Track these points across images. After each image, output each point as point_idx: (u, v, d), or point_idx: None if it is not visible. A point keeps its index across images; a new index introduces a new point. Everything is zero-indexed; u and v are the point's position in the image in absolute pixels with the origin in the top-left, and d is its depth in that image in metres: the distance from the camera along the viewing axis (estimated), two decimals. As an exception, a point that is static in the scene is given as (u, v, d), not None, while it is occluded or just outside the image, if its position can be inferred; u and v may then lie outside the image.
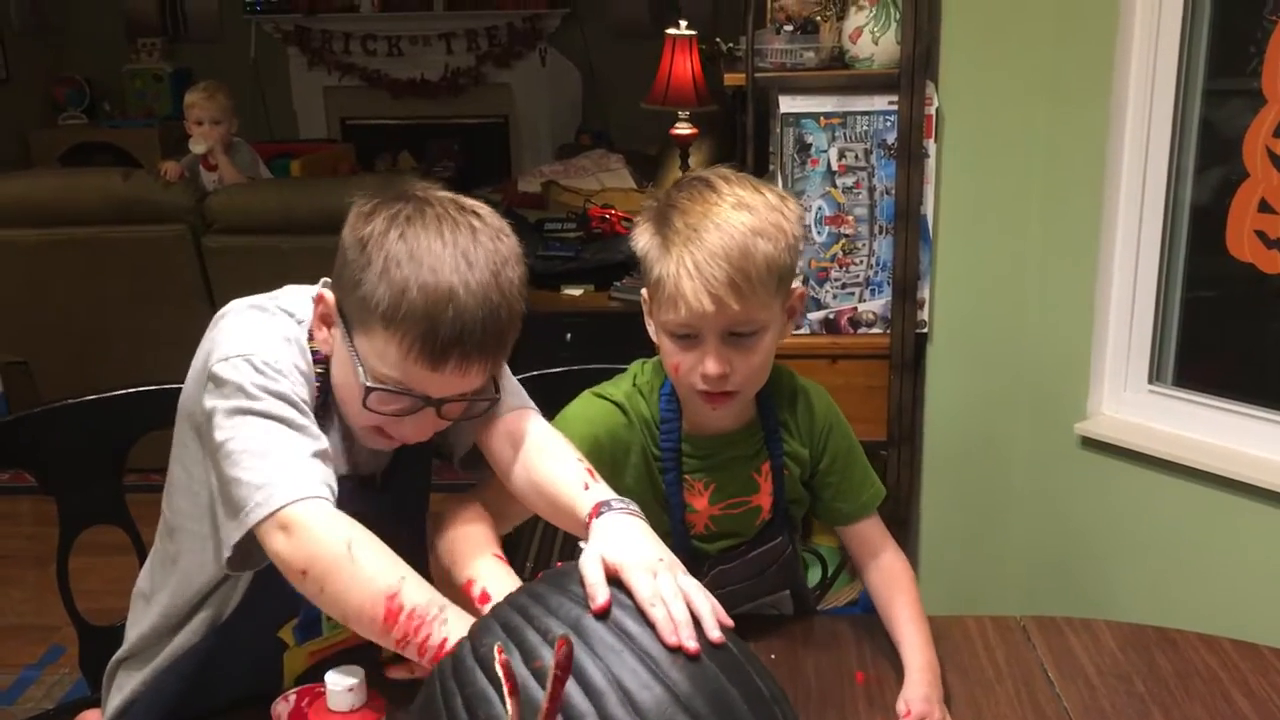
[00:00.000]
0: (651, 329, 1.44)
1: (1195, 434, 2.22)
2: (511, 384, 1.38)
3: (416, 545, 1.43)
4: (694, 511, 1.50)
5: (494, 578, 1.24)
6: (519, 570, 1.30)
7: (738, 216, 1.33)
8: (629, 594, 1.01)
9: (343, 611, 1.12)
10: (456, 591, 1.23)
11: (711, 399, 1.40)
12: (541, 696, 0.91)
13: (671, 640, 0.98)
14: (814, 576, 2.14)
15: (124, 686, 1.43)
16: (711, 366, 1.35)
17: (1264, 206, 2.09)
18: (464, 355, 1.18)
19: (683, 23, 3.75)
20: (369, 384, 1.21)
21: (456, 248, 1.18)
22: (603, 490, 1.21)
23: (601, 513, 1.15)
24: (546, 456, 1.29)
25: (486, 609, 1.16)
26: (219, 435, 1.19)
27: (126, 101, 6.40)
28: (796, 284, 1.46)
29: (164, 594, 1.39)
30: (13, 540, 3.03)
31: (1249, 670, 1.45)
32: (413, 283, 1.15)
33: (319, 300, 1.26)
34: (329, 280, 1.30)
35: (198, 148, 4.18)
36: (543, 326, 3.91)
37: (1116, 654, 1.50)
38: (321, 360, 1.30)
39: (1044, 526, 2.48)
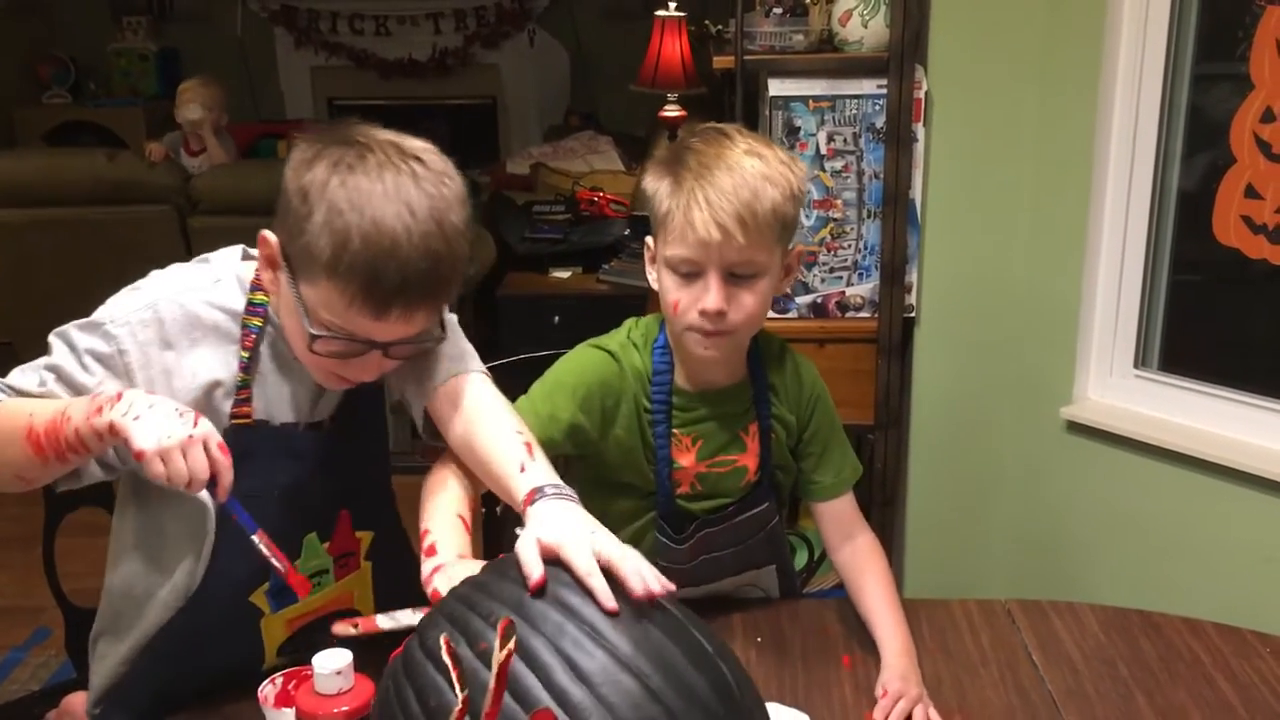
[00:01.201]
0: (652, 277, 1.48)
1: (1180, 419, 2.23)
2: (460, 347, 1.40)
3: (374, 489, 1.46)
4: (680, 468, 1.52)
5: (445, 533, 1.28)
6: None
7: (750, 161, 1.39)
8: (568, 570, 1.03)
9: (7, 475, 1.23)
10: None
11: (705, 337, 1.43)
12: (489, 677, 0.92)
13: (611, 605, 0.99)
14: (800, 560, 2.15)
15: (105, 658, 1.43)
16: (712, 301, 1.39)
17: (1250, 192, 2.10)
18: (407, 304, 1.20)
19: (672, 4, 3.74)
20: (313, 331, 1.22)
21: (399, 196, 1.17)
22: (537, 473, 1.22)
23: (535, 499, 1.16)
24: (486, 427, 1.31)
25: (431, 561, 1.22)
26: None
27: (112, 81, 6.34)
28: (797, 244, 1.50)
29: (122, 550, 1.41)
30: (-2, 522, 3.03)
31: (1231, 654, 1.46)
32: (355, 233, 1.16)
33: (262, 242, 1.26)
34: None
35: (192, 114, 4.16)
36: (530, 309, 3.90)
37: (1100, 637, 1.51)
38: (260, 313, 1.31)
39: (1030, 510, 2.49)
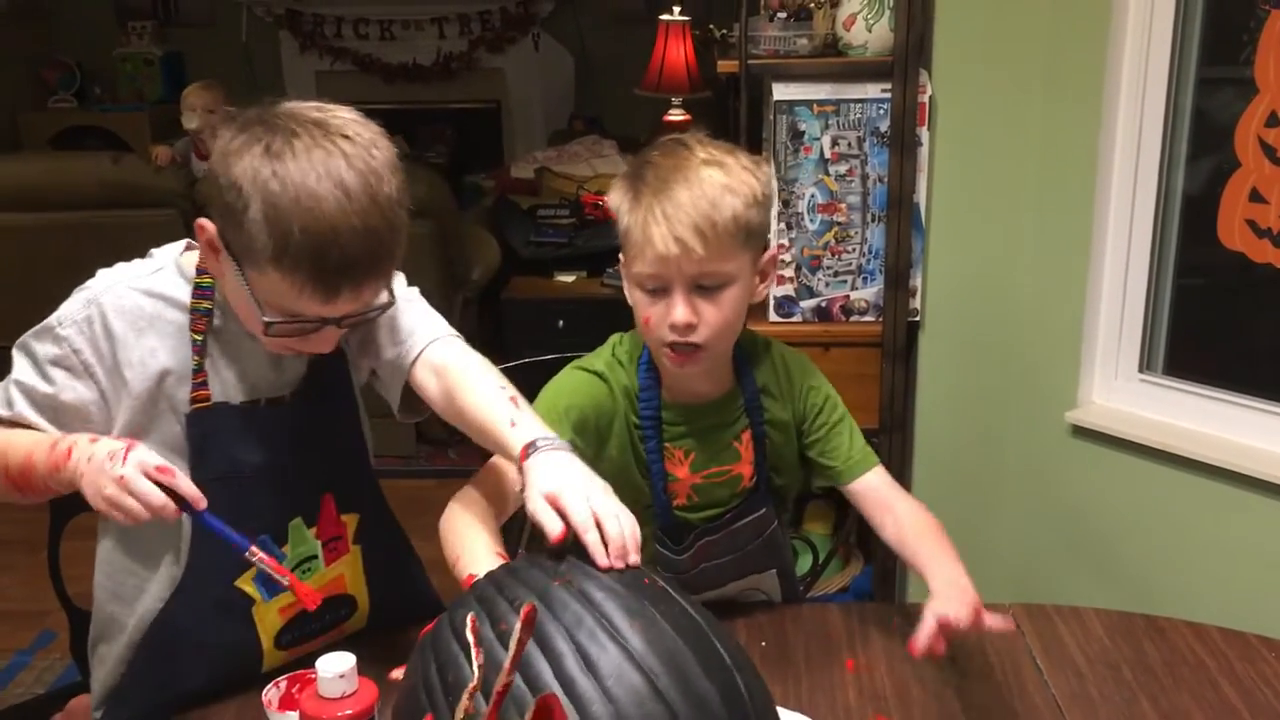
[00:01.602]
0: (627, 290, 1.47)
1: (1185, 422, 2.23)
2: (427, 317, 1.42)
3: (354, 469, 1.47)
4: (675, 480, 1.52)
5: None
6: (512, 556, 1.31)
7: (708, 171, 1.38)
8: (564, 520, 1.09)
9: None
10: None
11: (678, 357, 1.42)
12: (505, 658, 0.94)
13: (604, 563, 1.05)
14: (805, 564, 2.14)
15: (105, 661, 1.44)
16: (679, 314, 1.38)
17: (1255, 196, 2.09)
18: (355, 284, 1.22)
19: (676, 9, 3.75)
20: (267, 319, 1.24)
21: (332, 178, 1.17)
22: (527, 426, 1.24)
23: (530, 454, 1.19)
24: (470, 387, 1.33)
25: None
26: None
27: (117, 85, 6.36)
28: (771, 249, 1.49)
29: (105, 552, 1.43)
30: (3, 526, 3.03)
31: (1236, 658, 1.46)
32: (294, 226, 1.16)
33: (199, 229, 1.27)
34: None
35: (188, 123, 4.20)
36: (535, 312, 3.91)
37: (1105, 642, 1.50)
38: (208, 296, 1.33)
39: (1035, 515, 2.48)
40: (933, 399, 2.54)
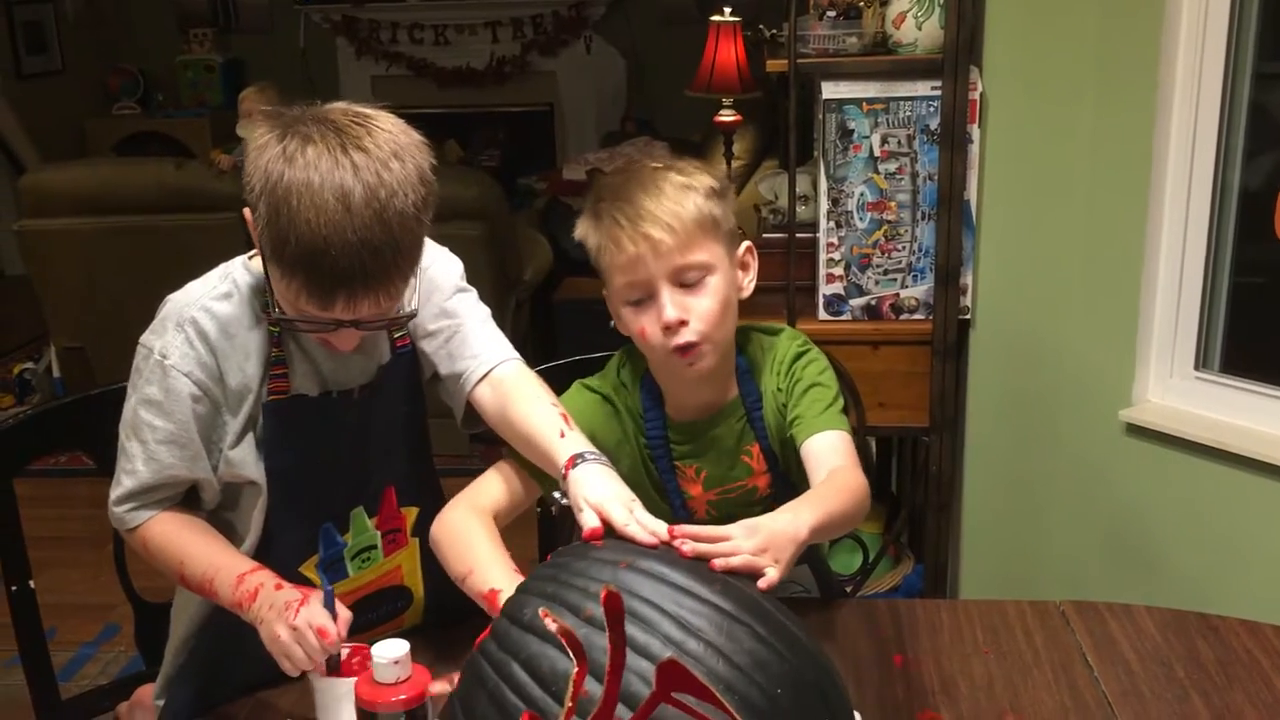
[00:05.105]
0: (617, 320, 1.49)
1: (1242, 420, 2.20)
2: (496, 340, 1.46)
3: (416, 463, 1.53)
4: (691, 498, 1.53)
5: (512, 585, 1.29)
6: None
7: (660, 174, 1.42)
8: (608, 525, 1.16)
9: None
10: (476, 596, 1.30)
11: (684, 354, 1.42)
12: (602, 640, 0.97)
13: (650, 540, 1.10)
14: (855, 563, 2.15)
15: (174, 639, 1.50)
16: (668, 313, 1.39)
17: (1313, 191, 2.06)
18: (350, 295, 1.21)
19: (727, 9, 3.75)
20: (274, 314, 1.30)
21: (334, 188, 1.17)
22: (575, 440, 1.31)
23: (577, 464, 1.26)
24: (525, 403, 1.39)
25: None
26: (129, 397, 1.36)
27: (179, 92, 6.49)
28: (746, 243, 1.51)
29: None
30: (70, 521, 3.11)
31: (1291, 656, 1.44)
32: (291, 234, 1.17)
33: (245, 219, 1.29)
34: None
35: (239, 131, 4.29)
36: (587, 313, 3.92)
37: (1157, 639, 1.49)
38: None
39: (1088, 513, 2.46)
40: (984, 397, 2.53)
